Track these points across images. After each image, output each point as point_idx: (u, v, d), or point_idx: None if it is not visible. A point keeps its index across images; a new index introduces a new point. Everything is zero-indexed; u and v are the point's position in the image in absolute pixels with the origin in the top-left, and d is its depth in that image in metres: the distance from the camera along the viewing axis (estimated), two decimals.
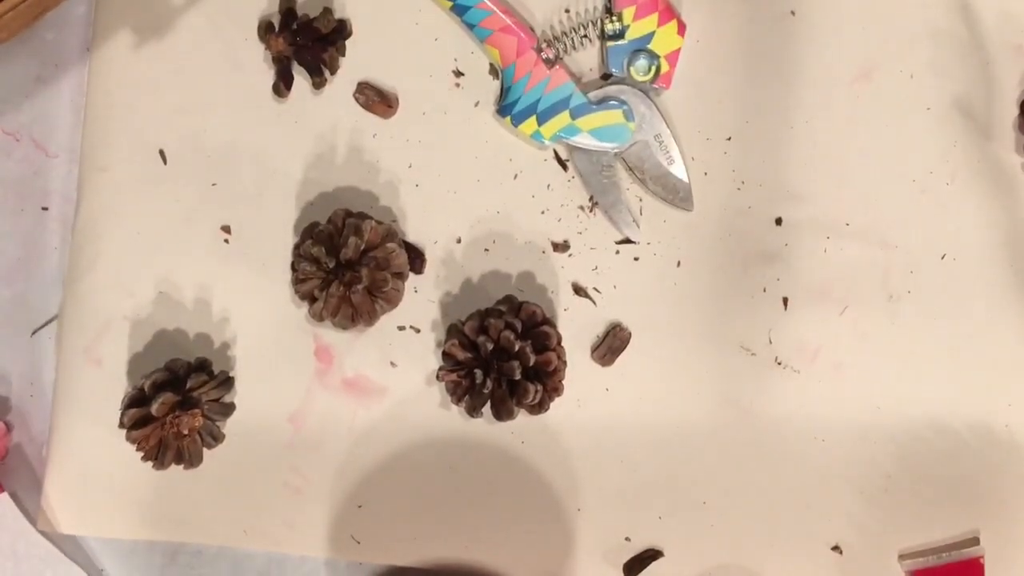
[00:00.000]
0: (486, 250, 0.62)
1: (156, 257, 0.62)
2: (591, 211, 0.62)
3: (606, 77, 0.61)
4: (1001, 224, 0.61)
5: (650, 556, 0.61)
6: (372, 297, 0.59)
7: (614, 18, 0.60)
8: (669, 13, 0.60)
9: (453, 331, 0.60)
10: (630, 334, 0.61)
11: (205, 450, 0.60)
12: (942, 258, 0.61)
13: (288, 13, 0.61)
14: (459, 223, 0.62)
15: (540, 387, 0.58)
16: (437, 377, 0.60)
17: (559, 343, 0.60)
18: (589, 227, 0.62)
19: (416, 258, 0.61)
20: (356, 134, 0.62)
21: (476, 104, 0.62)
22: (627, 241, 0.61)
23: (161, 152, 0.62)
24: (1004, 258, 0.61)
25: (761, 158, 0.61)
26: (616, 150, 0.61)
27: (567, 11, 0.62)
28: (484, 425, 0.61)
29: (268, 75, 0.62)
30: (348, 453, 0.62)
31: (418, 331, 0.62)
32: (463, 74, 0.62)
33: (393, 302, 0.60)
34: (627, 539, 0.62)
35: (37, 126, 0.63)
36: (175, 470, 0.59)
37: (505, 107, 0.61)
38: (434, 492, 0.62)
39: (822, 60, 0.61)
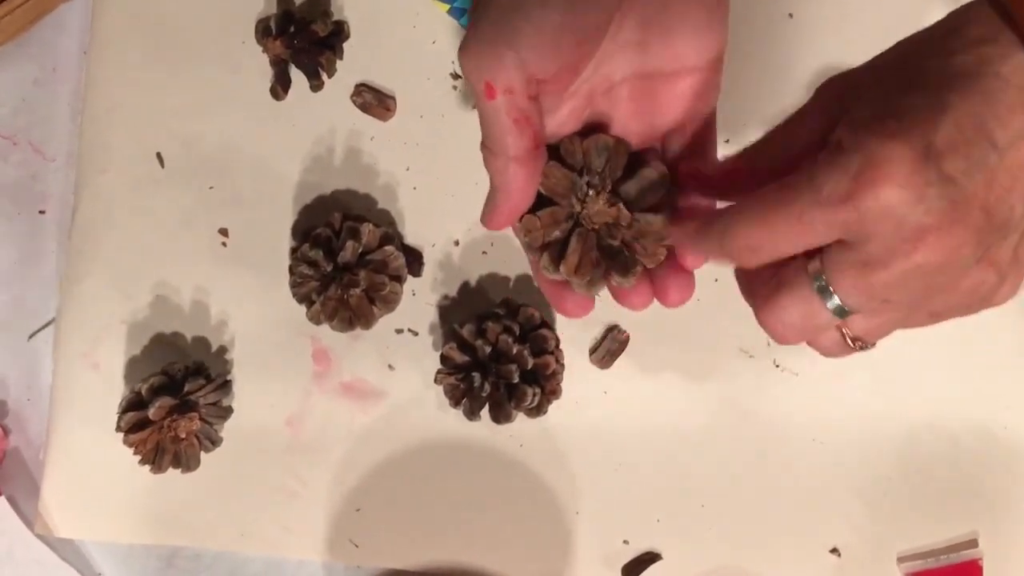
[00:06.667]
0: (484, 253, 0.62)
1: (153, 260, 0.62)
2: None
3: None
4: None
5: (649, 559, 0.61)
6: (370, 300, 0.59)
7: None
8: None
9: (451, 334, 0.60)
10: (628, 336, 0.61)
11: (202, 454, 0.60)
12: None
13: (285, 16, 0.61)
14: (457, 226, 0.62)
15: (538, 390, 0.58)
16: (435, 380, 0.60)
17: (557, 346, 0.60)
18: None
19: (414, 261, 0.61)
20: (354, 137, 0.62)
21: (474, 107, 0.62)
22: None
23: (159, 155, 0.62)
24: None
25: None
26: None
27: None
28: (482, 428, 0.61)
29: (266, 78, 0.62)
30: (346, 456, 0.61)
31: (416, 334, 0.62)
32: (460, 77, 0.62)
33: (391, 305, 0.60)
34: (625, 542, 0.61)
35: (34, 130, 0.63)
36: (172, 474, 0.59)
37: None
38: (432, 495, 0.61)
39: (821, 62, 0.61)
